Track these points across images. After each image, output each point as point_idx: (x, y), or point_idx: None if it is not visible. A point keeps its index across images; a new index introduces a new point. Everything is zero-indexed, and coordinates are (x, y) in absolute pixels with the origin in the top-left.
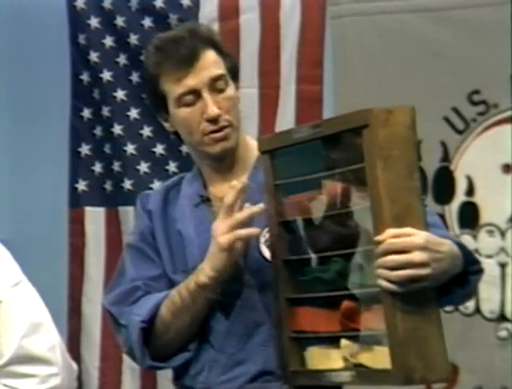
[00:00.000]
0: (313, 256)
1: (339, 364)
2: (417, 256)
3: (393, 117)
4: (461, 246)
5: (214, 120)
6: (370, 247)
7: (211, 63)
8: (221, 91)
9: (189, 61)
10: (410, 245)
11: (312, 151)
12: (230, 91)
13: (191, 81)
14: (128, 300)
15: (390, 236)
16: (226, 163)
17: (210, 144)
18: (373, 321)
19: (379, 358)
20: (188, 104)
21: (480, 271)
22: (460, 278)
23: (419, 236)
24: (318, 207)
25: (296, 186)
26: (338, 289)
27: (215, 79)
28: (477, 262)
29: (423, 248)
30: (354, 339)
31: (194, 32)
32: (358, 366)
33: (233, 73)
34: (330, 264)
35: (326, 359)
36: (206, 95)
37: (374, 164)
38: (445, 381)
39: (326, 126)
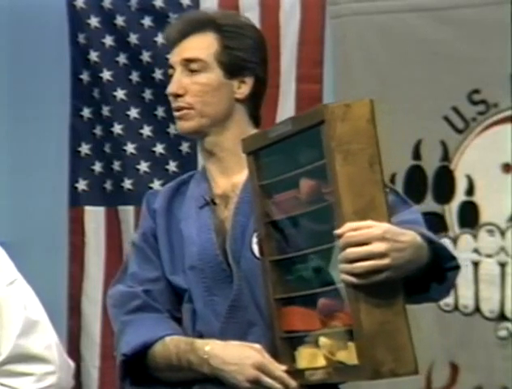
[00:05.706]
0: (294, 255)
1: (322, 362)
2: (376, 247)
3: (351, 110)
4: (436, 242)
5: (173, 96)
6: (336, 243)
7: (195, 45)
8: (193, 73)
9: (178, 39)
10: (368, 236)
11: (291, 150)
12: (204, 77)
13: (172, 57)
14: (125, 306)
15: (349, 229)
16: (218, 157)
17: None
18: (349, 317)
19: (353, 354)
20: (171, 76)
21: (457, 267)
22: (437, 274)
23: (377, 227)
24: (295, 206)
25: (280, 186)
26: (318, 287)
27: (189, 61)
28: (454, 258)
29: (381, 238)
30: (333, 336)
31: (205, 15)
32: (337, 363)
33: (228, 66)
34: (309, 262)
35: (311, 358)
36: (176, 72)
37: (333, 159)
38: (414, 374)
39: (294, 123)
